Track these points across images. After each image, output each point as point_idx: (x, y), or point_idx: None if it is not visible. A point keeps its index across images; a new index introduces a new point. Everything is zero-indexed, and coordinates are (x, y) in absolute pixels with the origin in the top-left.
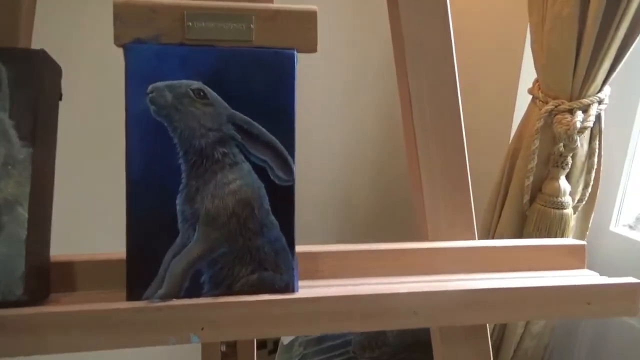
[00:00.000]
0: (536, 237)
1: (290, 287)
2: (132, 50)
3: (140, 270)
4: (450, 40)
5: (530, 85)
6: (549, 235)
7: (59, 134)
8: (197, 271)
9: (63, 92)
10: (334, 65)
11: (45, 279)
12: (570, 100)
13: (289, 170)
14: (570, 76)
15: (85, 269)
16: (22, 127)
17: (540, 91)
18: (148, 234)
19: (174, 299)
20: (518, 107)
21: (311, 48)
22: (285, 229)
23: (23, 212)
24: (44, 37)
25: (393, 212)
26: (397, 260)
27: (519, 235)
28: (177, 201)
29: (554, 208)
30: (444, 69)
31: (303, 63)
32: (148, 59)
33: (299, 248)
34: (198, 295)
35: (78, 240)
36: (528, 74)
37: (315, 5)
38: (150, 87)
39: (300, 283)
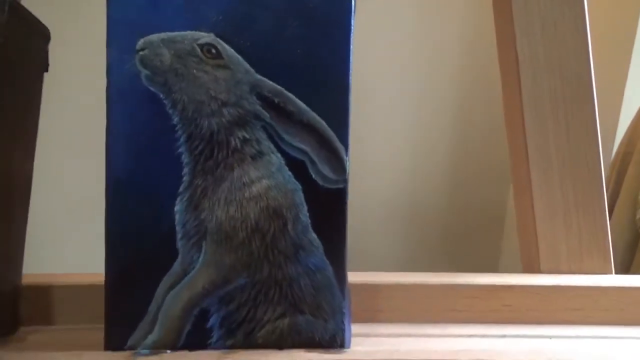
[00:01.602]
0: None
1: (337, 341)
2: None
3: (122, 308)
4: None
5: None
6: None
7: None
8: (203, 311)
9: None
10: (402, 64)
11: (11, 310)
12: None
13: (339, 165)
14: None
15: (65, 295)
16: None
17: None
18: (135, 255)
19: (169, 351)
20: (626, 103)
21: None
22: (332, 252)
23: None
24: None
25: (472, 227)
26: (495, 300)
27: (629, 261)
28: (176, 208)
29: None
30: (569, 22)
31: (366, 57)
32: (139, 1)
33: (352, 277)
34: (204, 346)
35: (57, 256)
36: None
37: None
38: (141, 42)
39: (355, 330)
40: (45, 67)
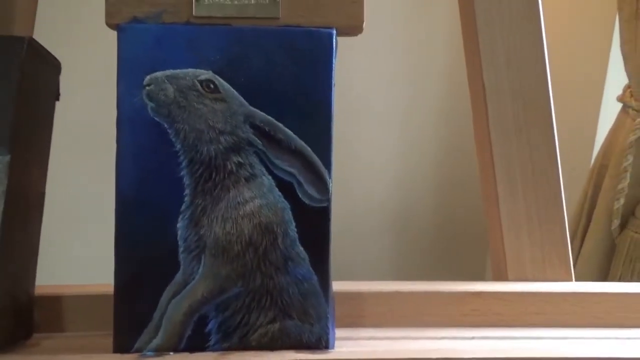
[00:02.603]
0: (628, 271)
1: (322, 343)
2: (127, 31)
3: (130, 314)
4: (539, 15)
5: (620, 92)
6: None
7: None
8: (202, 317)
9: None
10: (389, 72)
11: (25, 317)
12: None
13: (323, 187)
14: None
15: (76, 304)
16: None
17: (634, 98)
18: (140, 267)
19: (172, 353)
20: (603, 118)
21: (355, 27)
22: (317, 264)
23: None
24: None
25: (459, 234)
26: (466, 305)
27: (606, 269)
28: (178, 225)
29: None
30: (530, 52)
31: (353, 65)
32: (146, 42)
33: (337, 285)
34: (203, 349)
35: (70, 266)
36: (614, 79)
37: None
38: (147, 78)
39: (338, 333)
40: (56, 96)
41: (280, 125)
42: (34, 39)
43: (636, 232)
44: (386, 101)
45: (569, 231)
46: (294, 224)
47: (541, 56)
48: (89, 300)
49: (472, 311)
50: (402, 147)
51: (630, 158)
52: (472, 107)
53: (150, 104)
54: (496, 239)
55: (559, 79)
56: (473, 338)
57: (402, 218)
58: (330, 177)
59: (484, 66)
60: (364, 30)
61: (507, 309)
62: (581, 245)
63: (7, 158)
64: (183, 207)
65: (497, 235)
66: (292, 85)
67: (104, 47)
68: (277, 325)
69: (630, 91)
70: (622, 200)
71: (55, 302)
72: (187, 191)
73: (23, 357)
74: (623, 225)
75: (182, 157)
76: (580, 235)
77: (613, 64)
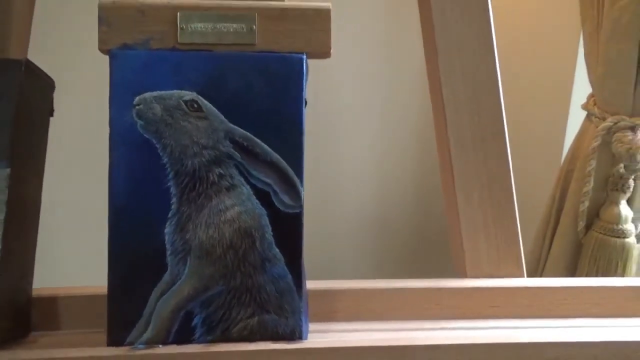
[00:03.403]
0: (593, 269)
1: (296, 334)
2: (118, 57)
3: (122, 311)
4: (491, 38)
5: (584, 100)
6: (608, 267)
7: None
8: (187, 313)
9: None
10: (366, 76)
11: (23, 317)
12: (632, 116)
13: (296, 195)
14: (632, 89)
15: (70, 304)
16: None
17: (597, 107)
18: (132, 268)
19: (161, 345)
20: (570, 125)
21: (324, 52)
22: (291, 264)
23: None
24: (42, 47)
25: (435, 239)
26: (429, 301)
27: (573, 267)
28: (166, 230)
29: (613, 236)
30: (483, 72)
31: (330, 71)
32: (135, 66)
33: (311, 284)
34: (188, 342)
35: (64, 269)
36: (581, 88)
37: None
38: (137, 99)
39: (312, 327)
40: (51, 112)
41: (257, 140)
42: (30, 61)
43: (600, 233)
44: (363, 104)
45: (539, 232)
46: (270, 228)
47: (494, 74)
48: (83, 301)
49: (434, 305)
50: (379, 150)
51: (594, 163)
52: (434, 120)
53: (139, 122)
54: (456, 240)
55: (528, 89)
56: (433, 329)
57: (381, 219)
58: (302, 186)
59: (443, 83)
60: (342, 33)
61: (466, 303)
62: (550, 246)
63: (8, 171)
64: (170, 214)
65: (457, 237)
66: (267, 104)
67: (94, 67)
68: (255, 319)
69: (594, 100)
70: (586, 203)
71: (51, 303)
72: (173, 200)
73: (24, 352)
74: (588, 227)
75: (168, 170)
76: (549, 236)
77: (579, 74)
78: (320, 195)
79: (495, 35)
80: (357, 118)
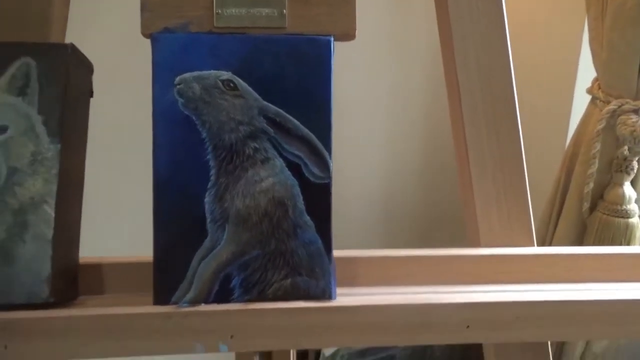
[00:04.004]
0: None
1: (327, 294)
2: (160, 40)
3: (167, 273)
4: (504, 25)
5: (589, 84)
6: None
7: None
8: (226, 275)
9: (95, 89)
10: (377, 61)
11: (72, 281)
12: (636, 99)
13: (325, 166)
14: (635, 73)
15: (114, 271)
16: (50, 123)
17: (601, 91)
18: (175, 235)
19: (203, 304)
20: (575, 109)
21: (349, 35)
22: (321, 230)
23: (50, 210)
24: (76, 32)
25: (442, 218)
26: (445, 267)
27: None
28: (206, 200)
29: (617, 217)
30: (497, 57)
31: (342, 57)
32: (176, 49)
33: (336, 253)
34: (228, 301)
35: (106, 241)
36: (586, 72)
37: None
38: (177, 79)
39: (338, 290)
40: (91, 93)
41: (289, 116)
42: (74, 45)
43: (604, 213)
44: (371, 85)
45: (545, 213)
46: (301, 197)
47: (507, 60)
48: (125, 268)
49: (450, 272)
50: (388, 136)
51: (598, 146)
52: (449, 103)
53: (180, 100)
54: (470, 213)
55: (533, 75)
56: (449, 292)
57: (390, 202)
58: (330, 159)
59: (458, 69)
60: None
61: (479, 270)
62: (555, 227)
63: (59, 147)
64: (209, 185)
65: (472, 209)
66: (297, 83)
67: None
68: (289, 281)
69: (598, 84)
70: (591, 185)
71: (96, 270)
72: (212, 172)
73: (75, 311)
74: (592, 208)
75: (207, 144)
76: (555, 218)
77: (584, 58)
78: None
79: None
80: (365, 98)
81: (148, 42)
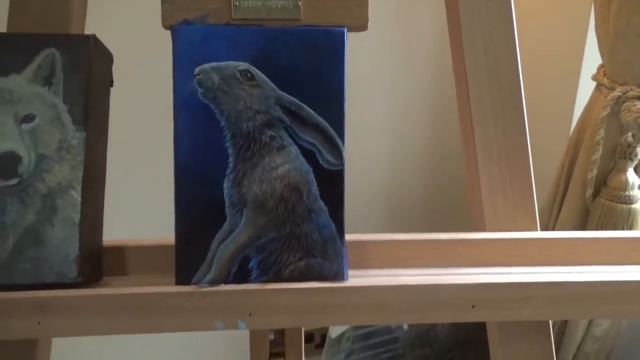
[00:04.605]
0: None
1: (339, 276)
2: (180, 31)
3: (188, 255)
4: (511, 12)
5: (594, 71)
6: None
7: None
8: (245, 257)
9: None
10: (383, 49)
11: (97, 262)
12: None
13: (338, 154)
14: None
15: (136, 253)
16: (75, 111)
17: (606, 77)
18: (196, 219)
19: (222, 284)
20: (580, 95)
21: (362, 25)
22: (334, 215)
23: (76, 195)
24: (94, 23)
25: (446, 205)
26: (451, 250)
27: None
28: (225, 185)
29: (620, 203)
30: (504, 44)
31: (348, 45)
32: (195, 40)
33: (347, 237)
34: (246, 281)
35: (127, 225)
36: (591, 59)
37: None
38: (197, 69)
39: (350, 272)
40: (111, 83)
41: (304, 105)
42: (96, 36)
43: (607, 199)
44: (376, 73)
45: (549, 198)
46: (315, 183)
47: (513, 48)
48: (147, 250)
49: (456, 255)
50: (393, 124)
51: (602, 132)
52: (456, 88)
53: (200, 90)
54: (476, 198)
55: (539, 60)
56: (457, 274)
57: (394, 189)
58: (343, 146)
59: (466, 55)
60: None
61: (484, 253)
62: (559, 212)
63: (84, 134)
64: (228, 171)
65: (477, 195)
66: (312, 73)
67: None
68: (303, 263)
69: (603, 70)
70: (595, 171)
71: (119, 252)
72: (230, 159)
73: (101, 290)
74: (596, 194)
75: (226, 132)
76: (559, 202)
77: (589, 45)
78: None
79: None
80: (371, 86)
81: (160, 35)
